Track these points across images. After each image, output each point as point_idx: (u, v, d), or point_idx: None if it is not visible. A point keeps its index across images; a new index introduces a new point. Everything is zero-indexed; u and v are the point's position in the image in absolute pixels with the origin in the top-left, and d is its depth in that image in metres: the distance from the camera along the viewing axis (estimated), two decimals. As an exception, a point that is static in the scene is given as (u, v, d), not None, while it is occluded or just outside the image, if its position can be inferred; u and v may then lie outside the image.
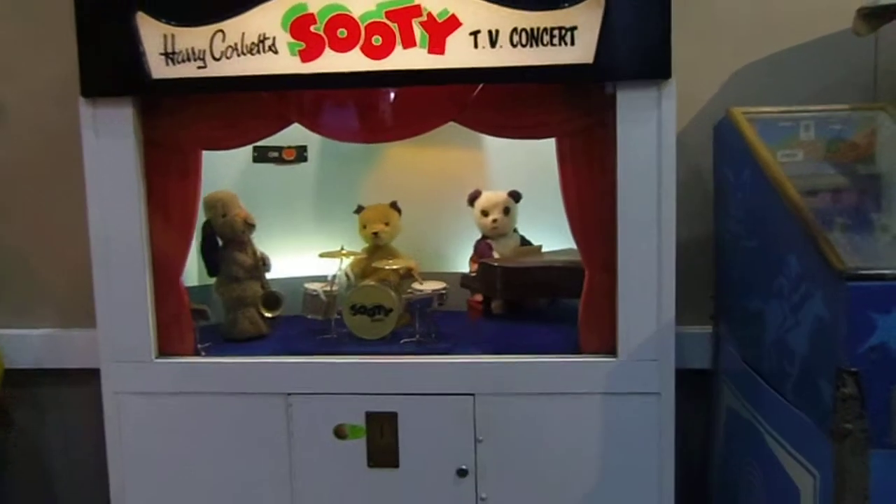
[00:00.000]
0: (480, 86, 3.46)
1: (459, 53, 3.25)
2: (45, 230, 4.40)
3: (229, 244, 4.27)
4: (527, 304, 4.59)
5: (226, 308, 4.56)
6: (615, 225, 3.39)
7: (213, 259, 4.45)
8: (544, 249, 4.66)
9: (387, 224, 4.80)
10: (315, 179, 4.86)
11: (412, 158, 4.68)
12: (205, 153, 3.74)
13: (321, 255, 4.55)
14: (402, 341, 3.96)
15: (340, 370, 3.70)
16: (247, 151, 4.61)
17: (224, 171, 4.47)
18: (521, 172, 4.66)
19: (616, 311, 3.44)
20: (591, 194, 3.52)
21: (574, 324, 3.70)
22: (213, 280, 4.24)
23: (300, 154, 4.81)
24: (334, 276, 4.53)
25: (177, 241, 3.79)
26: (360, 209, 4.54)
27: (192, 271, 4.48)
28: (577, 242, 3.65)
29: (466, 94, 3.52)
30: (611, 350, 3.52)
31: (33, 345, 4.37)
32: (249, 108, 3.61)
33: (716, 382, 3.72)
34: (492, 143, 4.60)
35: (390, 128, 3.78)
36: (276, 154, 4.79)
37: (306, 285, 4.47)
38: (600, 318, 3.57)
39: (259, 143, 4.47)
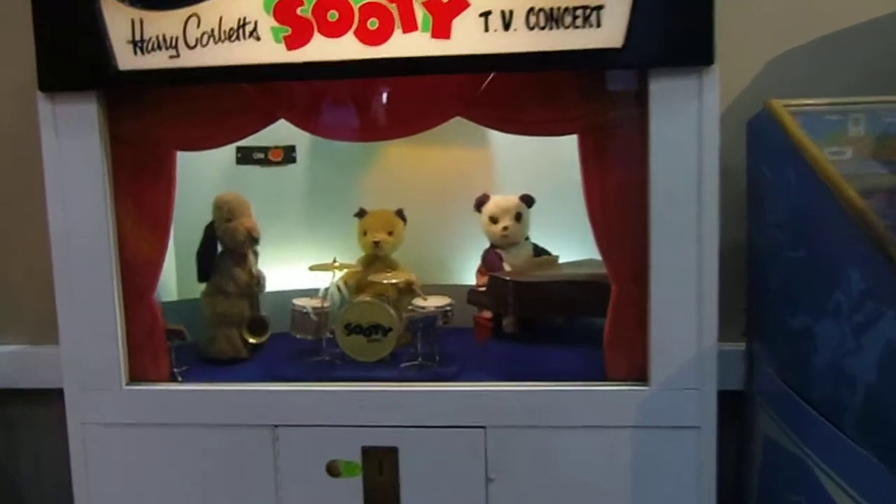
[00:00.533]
0: (491, 75, 3.20)
1: (467, 38, 2.93)
2: (12, 239, 4.20)
3: (228, 253, 4.14)
4: (543, 323, 4.57)
5: (206, 322, 4.23)
6: (647, 232, 3.09)
7: (207, 264, 4.17)
8: (561, 260, 4.65)
9: (390, 233, 4.40)
10: (305, 183, 4.59)
11: (413, 158, 4.43)
12: (182, 154, 3.55)
13: (311, 269, 4.14)
14: (402, 365, 3.65)
15: (333, 399, 3.38)
16: (229, 152, 4.35)
17: (206, 173, 4.27)
18: (533, 173, 4.51)
19: (648, 331, 3.13)
20: (618, 198, 3.23)
21: (598, 346, 3.38)
22: (192, 296, 4.09)
23: (288, 155, 4.54)
24: (326, 291, 4.12)
25: (149, 251, 3.51)
26: (361, 213, 4.26)
27: (170, 284, 4.32)
28: (603, 252, 3.33)
29: (475, 86, 3.25)
30: (641, 377, 3.19)
31: (2, 363, 4.11)
32: (229, 102, 3.35)
33: (750, 406, 3.39)
34: (501, 140, 4.34)
35: (388, 124, 3.51)
36: (261, 155, 4.54)
37: (295, 301, 4.08)
38: (629, 340, 3.26)
39: (242, 143, 4.23)
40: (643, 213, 3.08)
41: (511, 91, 3.23)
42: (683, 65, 2.95)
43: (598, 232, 3.30)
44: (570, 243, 4.31)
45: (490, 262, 4.56)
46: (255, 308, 4.04)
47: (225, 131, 3.54)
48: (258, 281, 4.06)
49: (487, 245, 4.31)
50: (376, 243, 4.18)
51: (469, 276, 4.45)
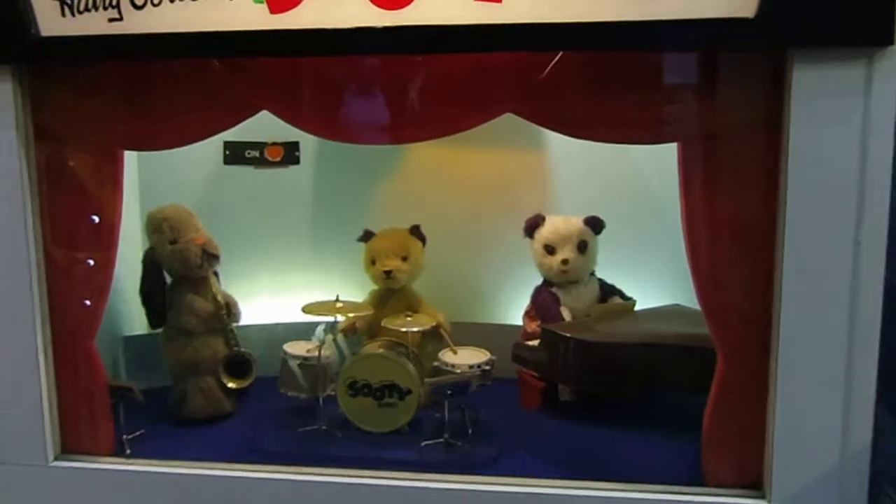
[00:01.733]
0: (558, 56, 2.54)
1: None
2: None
3: (180, 283, 3.46)
4: (613, 392, 3.55)
5: (173, 374, 3.44)
6: (774, 281, 2.46)
7: (155, 304, 3.44)
8: (639, 306, 3.66)
9: (404, 259, 3.59)
10: (308, 189, 4.01)
11: (442, 163, 3.84)
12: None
13: (305, 310, 3.22)
14: (423, 444, 3.06)
15: (326, 494, 2.75)
16: (214, 148, 3.82)
17: (182, 175, 3.78)
18: (599, 188, 3.76)
19: (768, 421, 2.53)
20: (734, 230, 2.57)
21: (691, 432, 2.76)
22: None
23: (289, 154, 3.90)
24: (328, 330, 3.33)
25: (88, 282, 2.94)
26: (367, 236, 3.68)
27: (134, 313, 3.74)
28: (706, 307, 2.67)
29: (534, 71, 2.59)
30: (754, 484, 2.59)
31: None
32: (193, 85, 2.76)
33: (871, 490, 2.61)
34: (558, 144, 3.76)
35: (413, 122, 2.82)
36: (255, 153, 3.90)
37: (286, 348, 3.30)
38: (739, 432, 2.64)
39: (231, 137, 3.68)
40: (769, 254, 2.47)
41: (583, 80, 2.58)
42: (845, 45, 2.24)
43: (699, 276, 2.65)
44: (645, 281, 3.67)
45: (543, 305, 3.59)
46: (231, 343, 3.46)
47: (186, 126, 2.89)
48: (228, 308, 3.48)
49: (539, 280, 3.68)
50: (388, 273, 3.55)
51: (513, 313, 3.83)
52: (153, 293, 3.43)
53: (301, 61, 2.70)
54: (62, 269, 2.88)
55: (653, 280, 3.65)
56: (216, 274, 3.55)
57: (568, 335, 3.20)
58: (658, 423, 3.25)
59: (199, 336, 3.40)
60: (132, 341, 3.77)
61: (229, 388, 3.41)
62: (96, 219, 2.92)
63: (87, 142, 2.88)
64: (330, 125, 2.94)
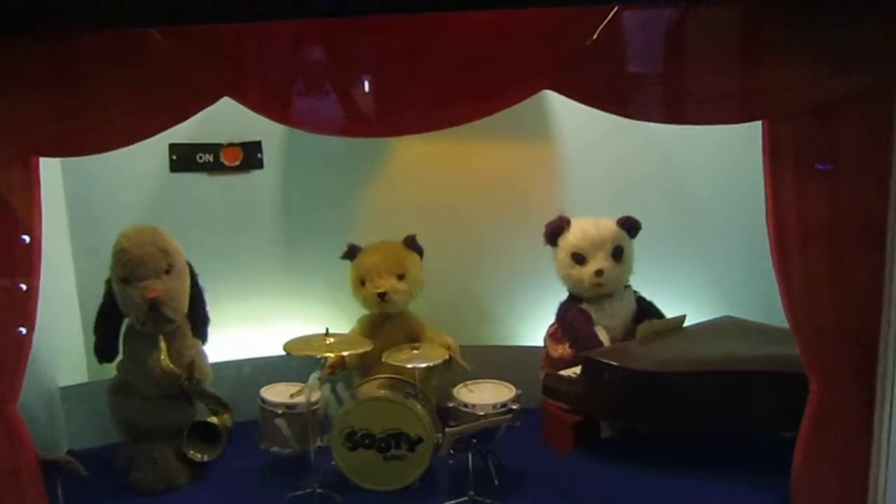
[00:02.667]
0: (611, 13, 2.04)
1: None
2: None
3: (134, 331, 2.84)
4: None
5: (120, 431, 2.89)
6: (883, 289, 2.03)
7: (106, 340, 2.88)
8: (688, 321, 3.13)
9: (401, 277, 3.06)
10: (276, 198, 3.44)
11: (435, 160, 3.34)
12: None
13: (288, 349, 2.65)
14: None
15: None
16: (156, 153, 3.28)
17: (119, 188, 3.25)
18: (617, 181, 3.31)
19: (872, 463, 2.10)
20: (836, 229, 2.14)
21: (770, 475, 2.43)
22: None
23: (250, 156, 3.35)
24: (315, 375, 2.65)
25: (7, 328, 2.37)
26: (352, 252, 3.17)
27: (72, 360, 3.24)
28: (797, 322, 2.25)
29: (578, 35, 2.10)
30: None
31: None
32: (127, 67, 2.17)
33: None
34: (567, 133, 3.32)
35: (424, 106, 2.28)
36: (208, 157, 3.32)
37: (264, 395, 2.78)
38: (835, 475, 2.21)
39: (177, 139, 3.18)
40: (876, 260, 2.06)
41: (642, 45, 2.13)
42: None
43: (789, 288, 2.28)
44: (676, 290, 3.22)
45: (573, 325, 3.05)
46: (199, 403, 2.87)
47: (122, 121, 2.33)
48: (188, 371, 2.81)
49: (562, 295, 3.17)
50: (382, 296, 3.02)
51: (527, 333, 3.38)
52: (105, 326, 2.85)
53: (273, 27, 2.12)
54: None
55: (686, 289, 3.24)
56: (202, 326, 2.94)
57: (616, 365, 2.66)
58: (728, 463, 2.76)
59: (153, 399, 2.80)
60: (71, 393, 3.15)
61: (194, 462, 2.80)
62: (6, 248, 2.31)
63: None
64: (313, 112, 2.35)
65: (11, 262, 2.37)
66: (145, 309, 2.72)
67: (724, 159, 3.22)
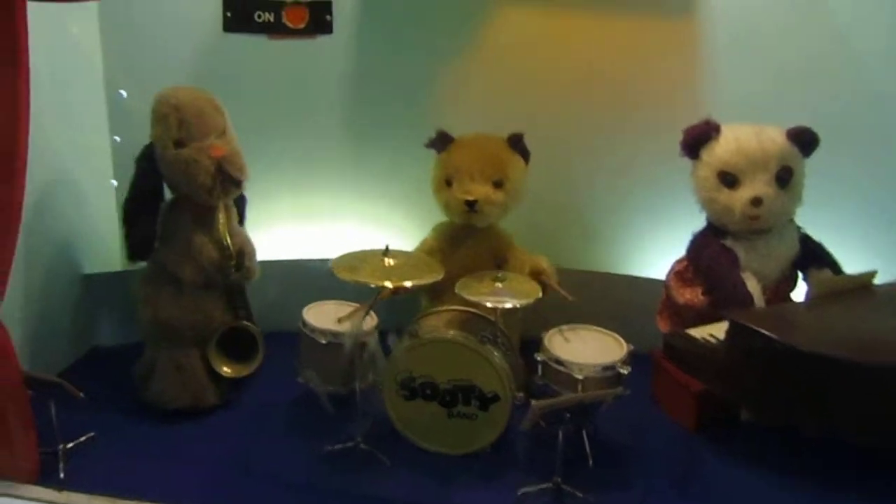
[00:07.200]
0: None
1: None
2: None
3: (180, 206, 2.47)
4: None
5: (144, 334, 2.52)
6: None
7: (141, 226, 2.43)
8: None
9: (498, 185, 2.48)
10: (345, 71, 2.92)
11: (546, 31, 2.69)
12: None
13: (333, 269, 2.11)
14: (520, 492, 2.02)
15: None
16: (209, 7, 2.82)
17: (162, 48, 2.79)
18: (780, 75, 2.56)
19: None
20: None
21: None
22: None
23: (318, 17, 2.83)
24: (376, 299, 2.17)
25: None
26: (442, 140, 2.56)
27: (97, 248, 2.86)
28: None
29: None
30: None
31: None
32: None
33: None
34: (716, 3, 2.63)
35: None
36: (268, 16, 2.81)
37: (306, 316, 2.34)
38: None
39: None
40: None
41: None
42: None
43: None
44: (866, 236, 2.52)
45: (713, 266, 2.34)
46: (235, 308, 2.47)
47: None
48: (239, 258, 2.42)
49: (699, 222, 2.47)
50: (471, 205, 2.43)
51: (645, 258, 2.81)
52: (139, 208, 2.42)
53: None
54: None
55: (873, 234, 2.53)
56: (235, 207, 2.52)
57: (775, 337, 1.87)
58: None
59: (191, 291, 2.38)
60: (96, 282, 2.82)
61: (222, 374, 2.41)
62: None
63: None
64: None
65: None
66: (212, 171, 2.29)
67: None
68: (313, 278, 2.46)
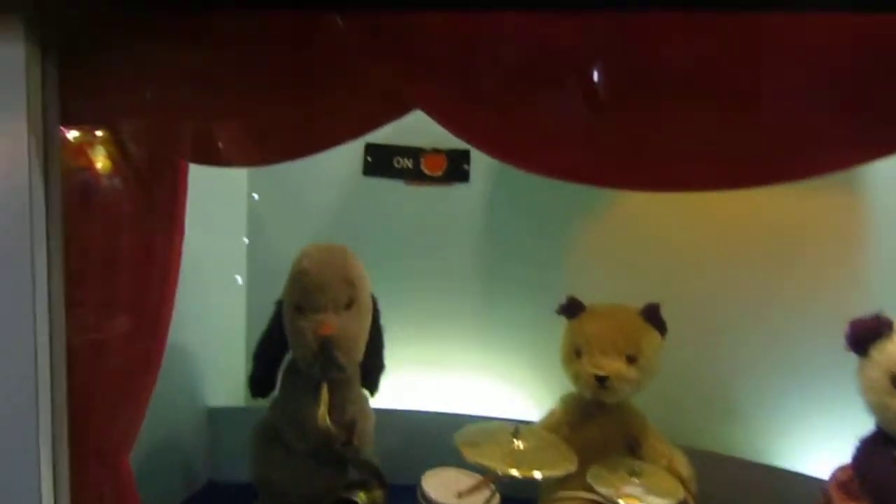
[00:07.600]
0: None
1: None
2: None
3: (296, 369, 2.35)
4: None
5: (256, 486, 2.43)
6: None
7: (265, 371, 2.44)
8: None
9: (632, 360, 2.27)
10: (479, 221, 2.90)
11: (691, 198, 2.56)
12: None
13: (458, 444, 2.06)
14: None
15: None
16: (351, 154, 2.87)
17: (301, 188, 2.88)
18: None
19: None
20: None
21: None
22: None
23: (455, 166, 2.86)
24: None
25: (128, 360, 1.95)
26: (572, 307, 2.41)
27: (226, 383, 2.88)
28: None
29: None
30: None
31: None
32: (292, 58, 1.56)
33: None
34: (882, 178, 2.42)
35: (705, 158, 1.41)
36: (407, 162, 2.87)
37: (425, 486, 2.16)
38: None
39: (373, 139, 2.77)
40: None
41: None
42: None
43: None
44: None
45: (879, 480, 2.02)
46: (345, 476, 2.32)
47: (308, 126, 1.80)
48: (349, 433, 2.28)
49: (866, 425, 2.10)
50: (602, 381, 2.24)
51: (794, 451, 2.52)
52: (267, 354, 2.41)
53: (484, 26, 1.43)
54: (88, 345, 1.81)
55: None
56: (372, 373, 2.43)
57: None
58: None
59: (299, 456, 2.31)
60: (221, 416, 2.83)
61: None
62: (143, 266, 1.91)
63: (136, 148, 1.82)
64: (530, 147, 1.61)
65: (146, 292, 1.96)
66: (315, 348, 2.20)
67: None
68: (436, 434, 2.31)
